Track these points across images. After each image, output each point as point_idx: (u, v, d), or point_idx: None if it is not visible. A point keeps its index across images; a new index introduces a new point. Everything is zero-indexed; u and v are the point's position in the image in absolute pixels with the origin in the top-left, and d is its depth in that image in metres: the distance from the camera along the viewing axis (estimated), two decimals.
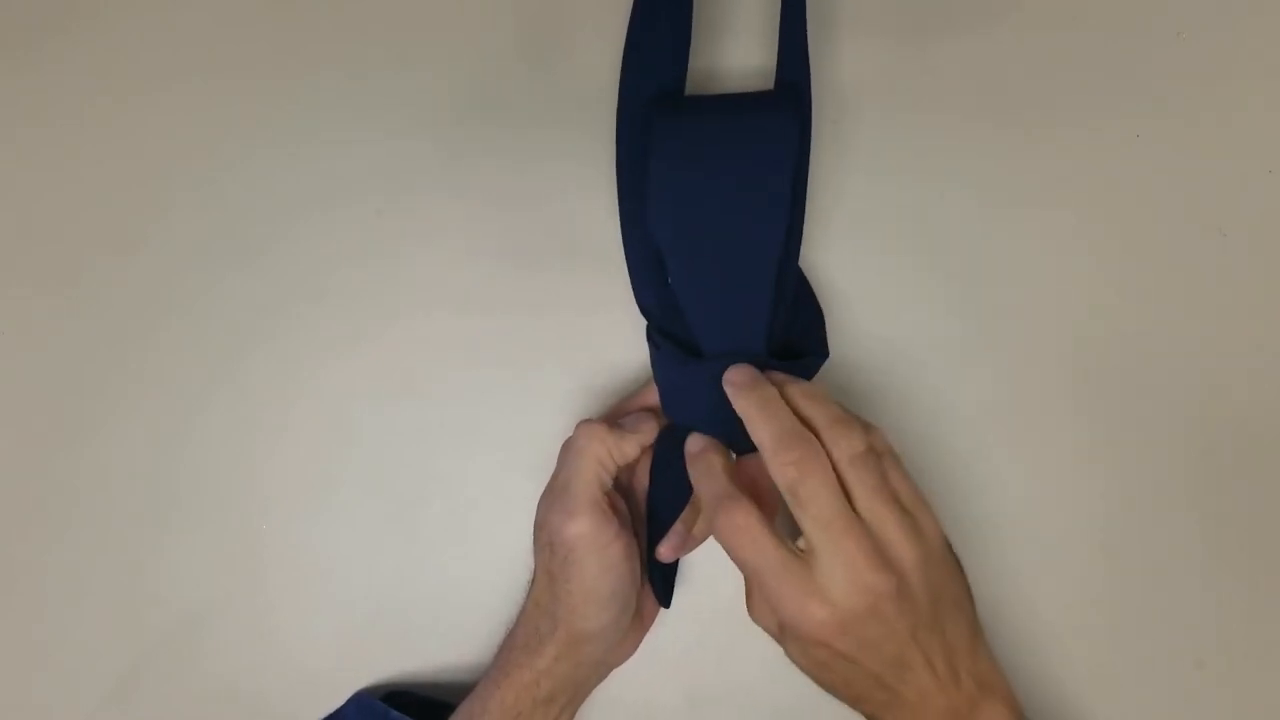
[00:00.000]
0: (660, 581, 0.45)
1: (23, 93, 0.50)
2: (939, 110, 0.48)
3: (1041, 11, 0.48)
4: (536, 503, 0.44)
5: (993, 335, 0.47)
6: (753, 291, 0.42)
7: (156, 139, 0.49)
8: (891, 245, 0.48)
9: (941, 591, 0.38)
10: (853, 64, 0.48)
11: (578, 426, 0.42)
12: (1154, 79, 0.48)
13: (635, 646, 0.46)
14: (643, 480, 0.45)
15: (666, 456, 0.43)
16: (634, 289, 0.45)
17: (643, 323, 0.45)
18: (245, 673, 0.48)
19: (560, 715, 0.43)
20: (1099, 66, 0.48)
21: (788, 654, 0.39)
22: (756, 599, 0.40)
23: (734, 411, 0.40)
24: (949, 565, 0.39)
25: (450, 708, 0.44)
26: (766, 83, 0.46)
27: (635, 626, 0.45)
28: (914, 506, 0.38)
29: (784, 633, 0.39)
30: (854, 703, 0.39)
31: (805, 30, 0.44)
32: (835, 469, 0.37)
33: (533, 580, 0.44)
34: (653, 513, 0.44)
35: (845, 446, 0.37)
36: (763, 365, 0.41)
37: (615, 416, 0.45)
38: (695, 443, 0.41)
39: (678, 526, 0.43)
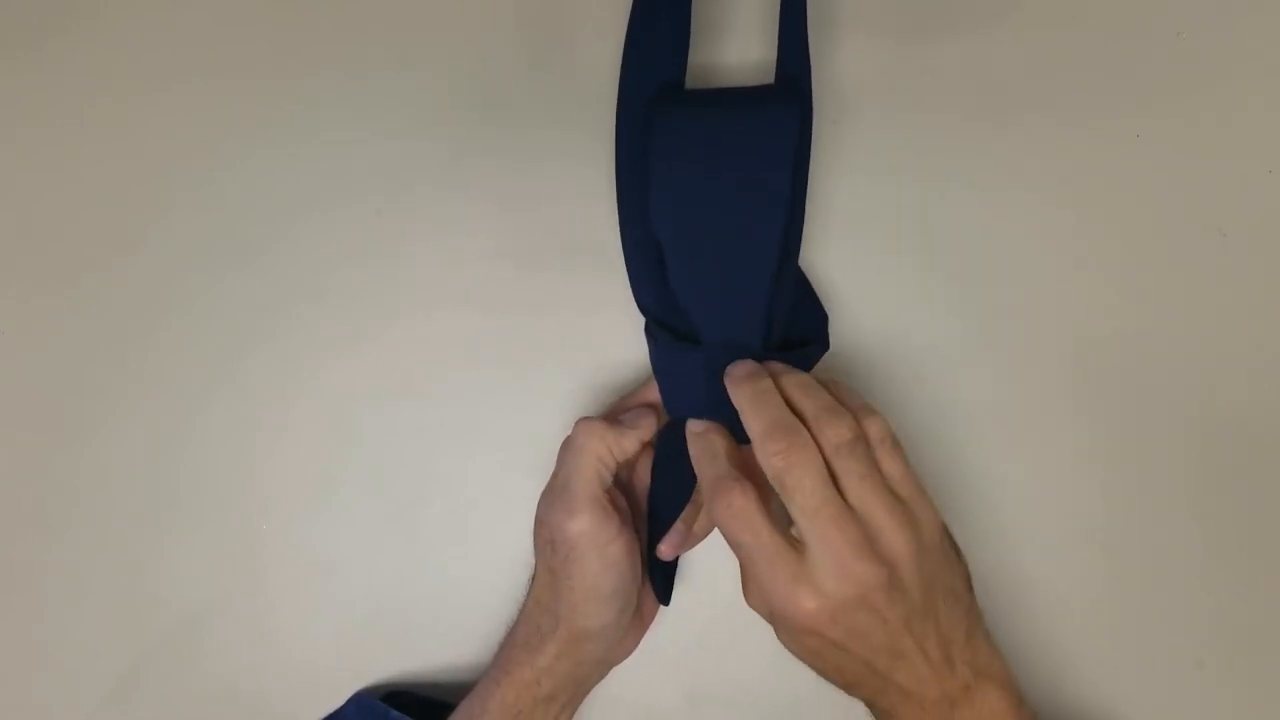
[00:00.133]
0: (660, 579, 0.45)
1: (23, 93, 0.50)
2: (939, 110, 0.48)
3: (1041, 11, 0.48)
4: (536, 502, 0.45)
5: (993, 335, 0.47)
6: (751, 284, 0.42)
7: (156, 139, 0.49)
8: (891, 245, 0.48)
9: (935, 581, 0.38)
10: (853, 64, 0.48)
11: (577, 424, 0.42)
12: (1154, 79, 0.48)
13: (635, 644, 0.46)
14: (643, 478, 0.45)
15: (667, 453, 0.43)
16: (633, 287, 0.45)
17: (642, 322, 0.45)
18: (245, 673, 0.48)
19: (561, 713, 0.43)
20: (1099, 66, 0.48)
21: (780, 640, 0.39)
22: (751, 584, 0.40)
23: (733, 404, 0.40)
24: (944, 554, 0.38)
25: (450, 707, 0.44)
26: (766, 79, 0.46)
27: (635, 624, 0.45)
28: (909, 495, 0.38)
29: (775, 620, 0.39)
30: (848, 689, 0.39)
31: (805, 24, 0.44)
32: (825, 458, 0.37)
33: (533, 578, 0.44)
34: (653, 510, 0.44)
35: (831, 435, 0.37)
36: (760, 358, 0.41)
37: (614, 414, 0.45)
38: (697, 424, 0.42)
39: (678, 525, 0.43)
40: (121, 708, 0.48)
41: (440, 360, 0.48)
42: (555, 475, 0.43)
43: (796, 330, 0.44)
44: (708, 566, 0.47)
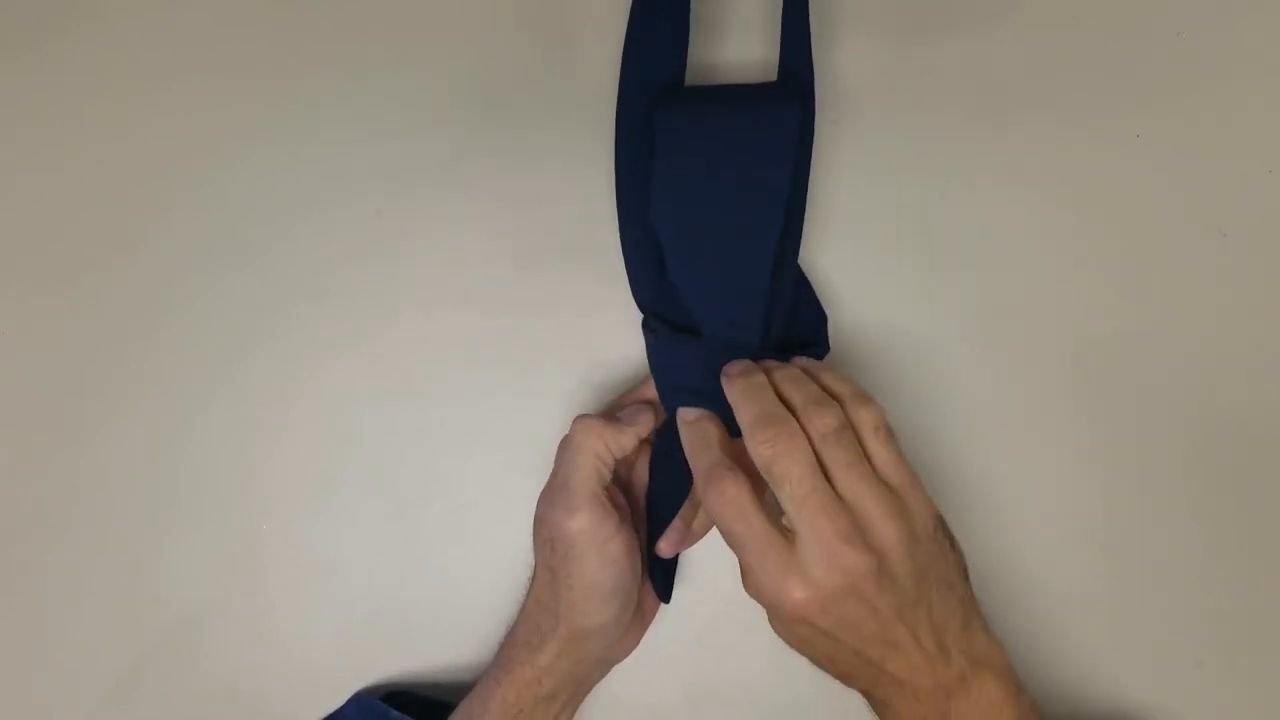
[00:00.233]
0: (660, 576, 0.45)
1: (23, 93, 0.50)
2: (939, 110, 0.48)
3: (1041, 11, 0.48)
4: (536, 502, 0.45)
5: (993, 335, 0.47)
6: (750, 281, 0.42)
7: (156, 139, 0.49)
8: (891, 245, 0.48)
9: (928, 570, 0.37)
10: (853, 64, 0.48)
11: (574, 422, 0.42)
12: (1154, 79, 0.48)
13: (636, 643, 0.46)
14: (642, 475, 0.45)
15: (664, 450, 0.43)
16: (631, 284, 0.45)
17: (641, 322, 0.45)
18: (245, 673, 0.48)
19: (561, 712, 0.43)
20: (1099, 66, 0.48)
21: (773, 629, 0.39)
22: (745, 573, 0.40)
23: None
24: (938, 544, 0.38)
25: (450, 707, 0.44)
26: (766, 77, 0.46)
27: (636, 623, 0.45)
28: (901, 483, 0.38)
29: (768, 609, 0.39)
30: (843, 679, 0.39)
31: (808, 21, 0.44)
32: (814, 449, 0.37)
33: (533, 578, 0.44)
34: (652, 508, 0.44)
35: (818, 425, 0.37)
36: (758, 357, 0.42)
37: (612, 412, 0.45)
38: (690, 412, 0.42)
39: (677, 522, 0.43)
40: (121, 708, 0.48)
41: (440, 360, 0.48)
42: (554, 474, 0.43)
43: (796, 331, 0.44)
44: (708, 565, 0.47)
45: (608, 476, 0.42)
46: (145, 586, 0.48)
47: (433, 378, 0.48)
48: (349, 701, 0.47)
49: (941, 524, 0.39)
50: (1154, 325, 0.47)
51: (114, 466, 0.49)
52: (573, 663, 0.42)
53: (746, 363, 0.41)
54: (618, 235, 0.46)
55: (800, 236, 0.44)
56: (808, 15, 0.44)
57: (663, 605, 0.46)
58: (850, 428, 0.38)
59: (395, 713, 0.44)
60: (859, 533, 0.36)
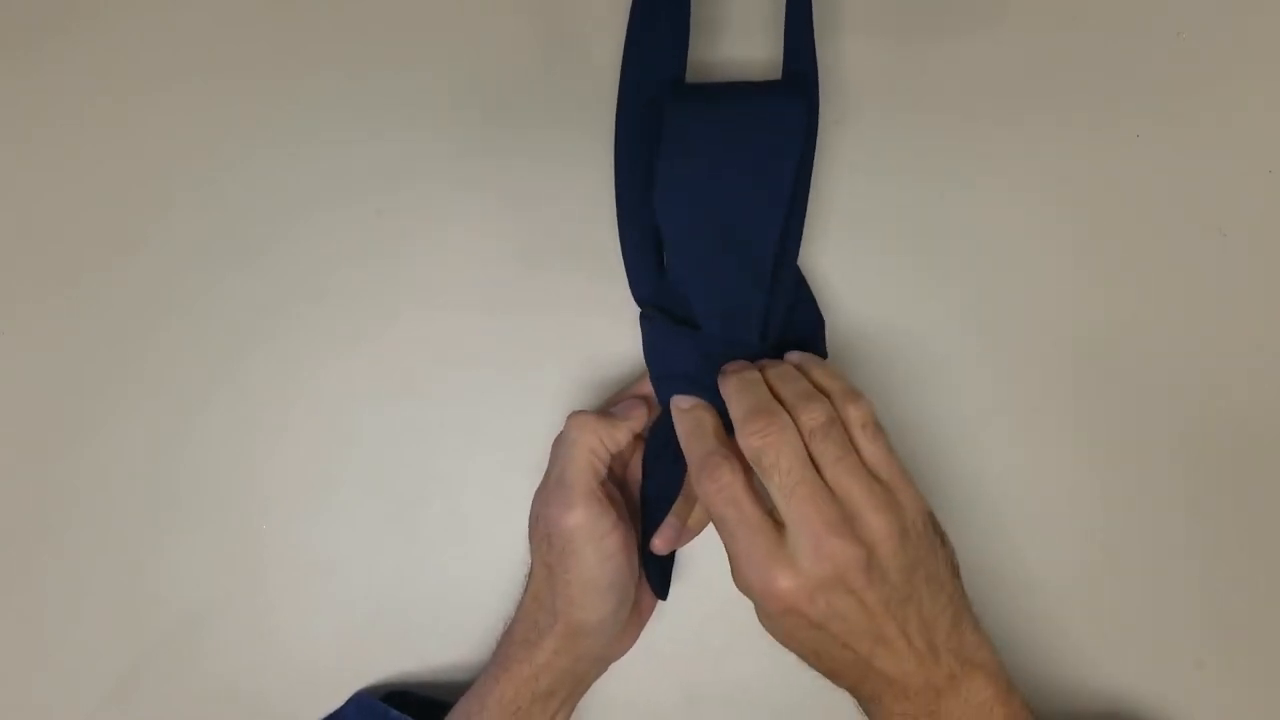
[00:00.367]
0: (656, 573, 0.45)
1: (23, 93, 0.50)
2: (939, 110, 0.48)
3: (1041, 11, 0.48)
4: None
5: (993, 335, 0.47)
6: (751, 279, 0.42)
7: (156, 139, 0.49)
8: (891, 245, 0.48)
9: (917, 566, 0.37)
10: (854, 64, 0.48)
11: (568, 418, 0.42)
12: (1154, 79, 0.48)
13: (633, 640, 0.46)
14: (636, 472, 0.45)
15: (659, 447, 0.43)
16: (630, 281, 0.45)
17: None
18: (245, 673, 0.48)
19: (559, 710, 0.43)
20: (1099, 66, 0.48)
21: (761, 623, 0.39)
22: (734, 564, 0.40)
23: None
24: (928, 540, 0.38)
25: (450, 707, 0.44)
26: (766, 75, 0.46)
27: (633, 620, 0.45)
28: (890, 479, 0.38)
29: (755, 601, 0.39)
30: (830, 676, 0.39)
31: (811, 21, 0.44)
32: (804, 441, 0.38)
33: (529, 575, 0.44)
34: (646, 504, 0.44)
35: (806, 419, 0.38)
36: (755, 354, 0.42)
37: (606, 408, 0.45)
38: (685, 400, 0.42)
39: (671, 519, 0.43)
40: (121, 708, 0.48)
41: (440, 360, 0.48)
42: (549, 470, 0.43)
43: (794, 332, 0.44)
44: (705, 564, 0.47)
45: (603, 472, 0.42)
46: (145, 586, 0.48)
47: (433, 378, 0.48)
48: (349, 701, 0.47)
49: (932, 520, 0.39)
50: (1154, 325, 0.47)
51: (114, 466, 0.49)
52: (571, 660, 0.42)
53: (743, 363, 0.41)
54: (617, 234, 0.46)
55: (801, 236, 0.44)
56: (811, 15, 0.44)
57: (660, 604, 0.47)
58: (838, 422, 0.38)
59: (395, 712, 0.44)
60: (848, 524, 0.36)
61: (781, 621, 0.38)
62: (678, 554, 0.46)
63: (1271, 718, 0.46)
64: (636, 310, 0.45)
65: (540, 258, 0.48)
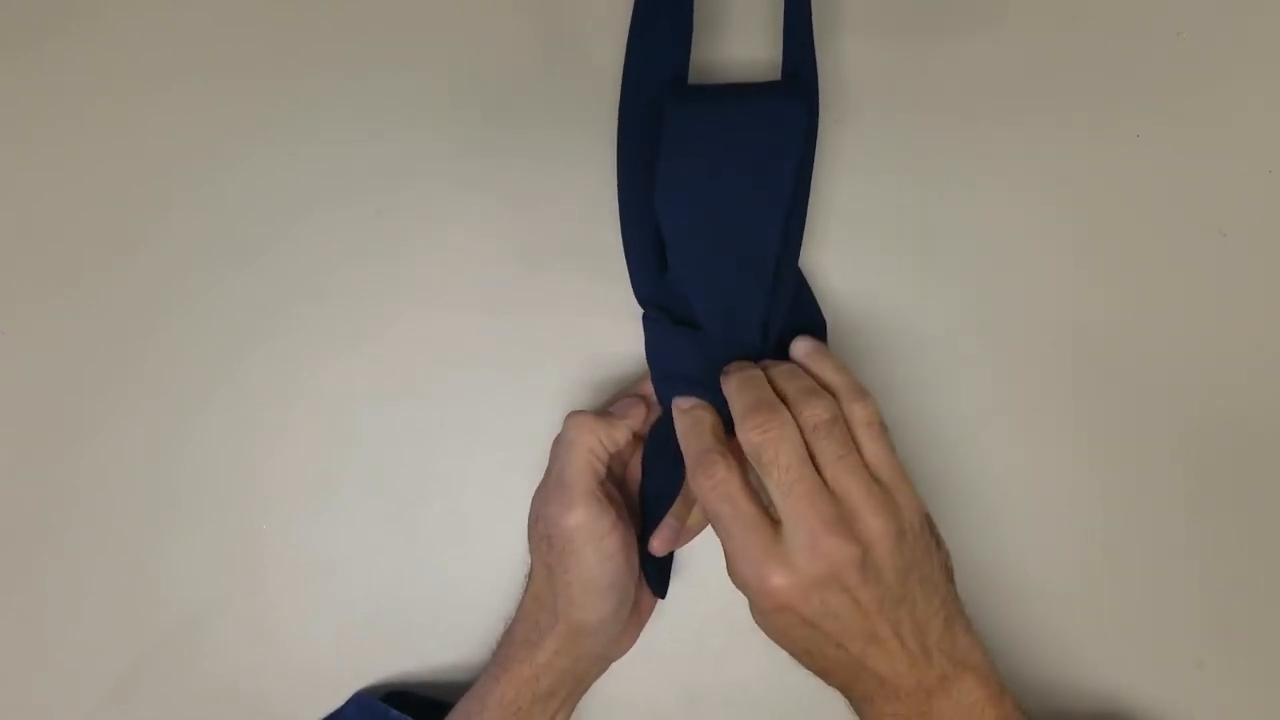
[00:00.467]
0: (655, 572, 0.45)
1: (23, 93, 0.50)
2: (939, 110, 0.48)
3: (1041, 11, 0.48)
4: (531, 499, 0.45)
5: (993, 335, 0.47)
6: (752, 279, 0.42)
7: (156, 139, 0.49)
8: (891, 245, 0.48)
9: (912, 567, 0.37)
10: (854, 64, 0.48)
11: (567, 418, 0.42)
12: (1154, 79, 0.48)
13: (633, 640, 0.46)
14: (635, 472, 0.45)
15: (658, 447, 0.43)
16: (632, 281, 0.45)
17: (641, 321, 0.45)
18: (245, 673, 0.48)
19: (559, 710, 0.43)
20: (1099, 66, 0.48)
21: (754, 620, 0.39)
22: (729, 560, 0.40)
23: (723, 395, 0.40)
24: (923, 542, 0.38)
25: (450, 707, 0.44)
26: (769, 76, 0.46)
27: (633, 620, 0.45)
28: (890, 479, 0.38)
29: (749, 598, 0.39)
30: (822, 674, 0.39)
31: (810, 21, 0.44)
32: (804, 438, 0.37)
33: (529, 576, 0.44)
34: (645, 505, 0.44)
35: (809, 415, 0.38)
36: (757, 354, 0.42)
37: (605, 408, 0.45)
38: (685, 400, 0.42)
39: (669, 519, 0.43)
40: (121, 708, 0.48)
41: (440, 360, 0.48)
42: (548, 471, 0.43)
43: (795, 333, 0.44)
44: (705, 563, 0.47)
45: (602, 471, 0.42)
46: (145, 586, 0.48)
47: (433, 378, 0.48)
48: (349, 701, 0.47)
49: (929, 523, 0.39)
50: (1154, 325, 0.47)
51: (114, 466, 0.49)
52: (571, 660, 0.42)
53: (746, 362, 0.41)
54: (618, 235, 0.46)
55: (802, 237, 0.44)
56: (810, 15, 0.44)
57: (660, 604, 0.47)
58: (841, 420, 0.38)
59: (395, 713, 0.44)
60: (844, 522, 0.36)
61: (775, 619, 0.38)
62: (677, 553, 0.46)
63: (1271, 718, 0.46)
64: (637, 310, 0.45)
65: (540, 258, 0.48)
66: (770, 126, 0.42)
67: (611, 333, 0.47)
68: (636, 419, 0.43)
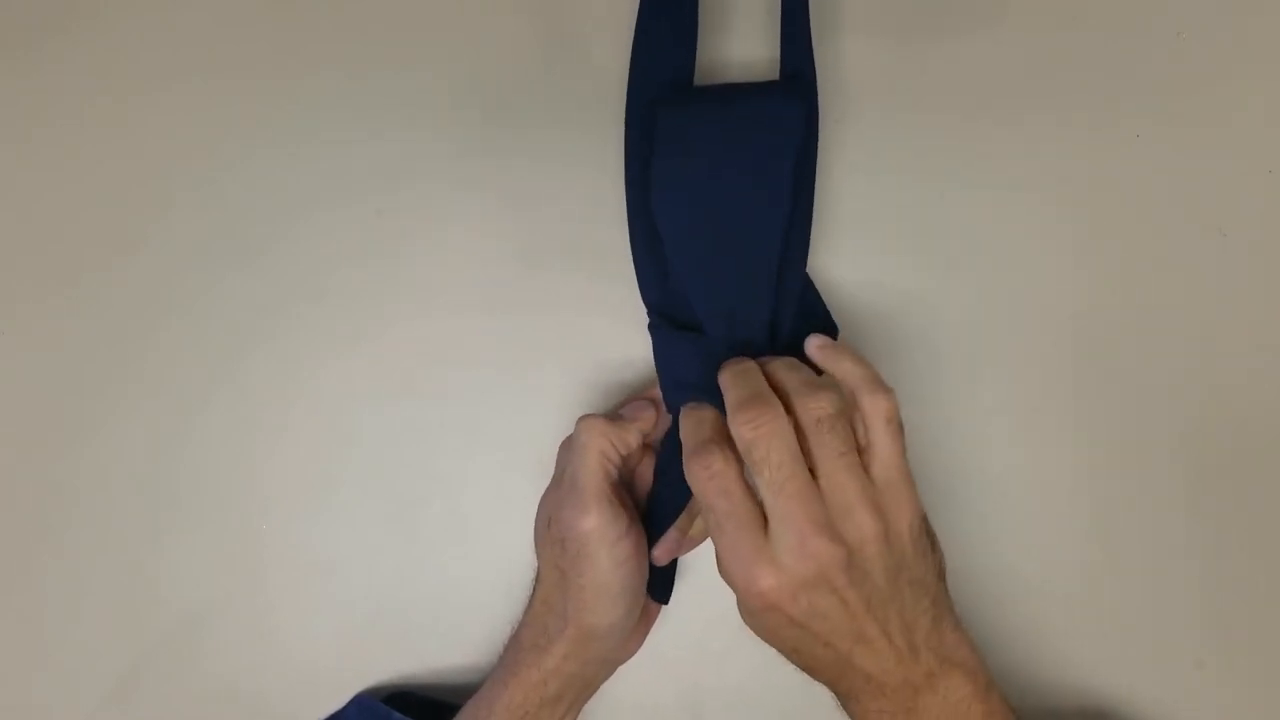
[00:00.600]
0: (658, 577, 0.45)
1: (23, 93, 0.50)
2: (939, 110, 0.48)
3: (1041, 11, 0.48)
4: (537, 503, 0.45)
5: (993, 335, 0.47)
6: (755, 281, 0.42)
7: (156, 139, 0.49)
8: (891, 245, 0.48)
9: (901, 568, 0.37)
10: (853, 64, 0.48)
11: (579, 422, 0.42)
12: (1154, 79, 0.48)
13: (640, 644, 0.46)
14: (643, 479, 0.45)
15: (669, 457, 0.43)
16: (639, 283, 0.45)
17: (643, 323, 0.45)
18: (245, 673, 0.48)
19: (566, 714, 0.43)
20: (1099, 66, 0.48)
21: (743, 620, 0.39)
22: (719, 557, 0.39)
23: None
24: (917, 544, 0.38)
25: (452, 708, 0.44)
26: (771, 77, 0.46)
27: (640, 624, 0.45)
28: (893, 479, 0.38)
29: (737, 597, 0.39)
30: (809, 671, 0.39)
31: (808, 21, 0.44)
32: (801, 433, 0.37)
33: (538, 580, 0.44)
34: (652, 514, 0.44)
35: (813, 408, 0.37)
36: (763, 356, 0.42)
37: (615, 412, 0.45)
38: (692, 405, 0.41)
39: (671, 531, 0.43)
40: (121, 708, 0.48)
41: (440, 360, 0.48)
42: (560, 474, 0.43)
43: (804, 337, 0.44)
44: (709, 568, 0.46)
45: (614, 474, 0.42)
46: (145, 586, 0.48)
47: (433, 378, 0.48)
48: (350, 703, 0.47)
49: (925, 525, 0.39)
50: (1154, 325, 0.47)
51: (114, 466, 0.49)
52: (580, 664, 0.42)
53: (742, 358, 0.41)
54: (617, 235, 0.46)
55: (808, 240, 0.43)
56: (808, 15, 0.44)
57: (664, 608, 0.46)
58: (845, 416, 0.38)
59: (397, 714, 0.44)
60: (833, 523, 0.36)
61: (763, 618, 0.38)
62: (680, 561, 0.46)
63: (1271, 718, 0.46)
64: (638, 310, 0.45)
65: (540, 258, 0.48)
66: (769, 126, 0.42)
67: (612, 333, 0.47)
68: (647, 421, 0.43)
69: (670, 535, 0.43)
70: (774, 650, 0.40)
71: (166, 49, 0.50)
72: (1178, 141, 0.47)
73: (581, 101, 0.48)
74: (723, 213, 0.42)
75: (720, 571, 0.39)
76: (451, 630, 0.48)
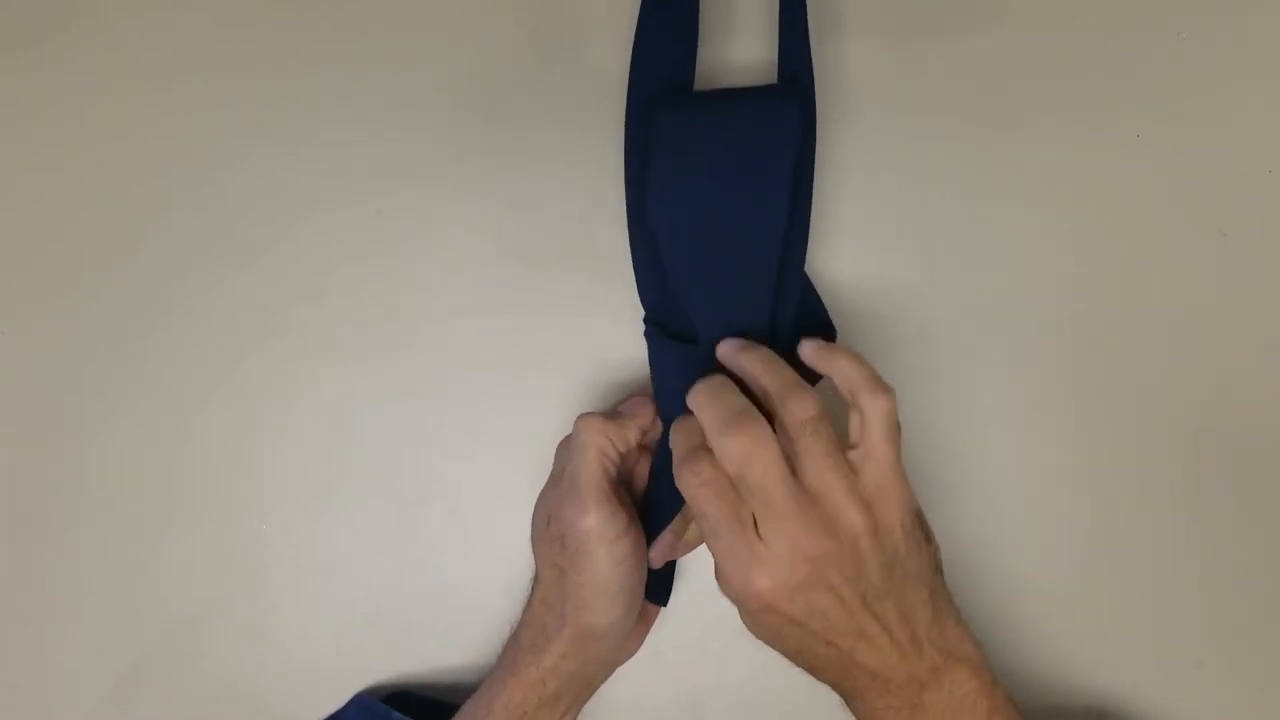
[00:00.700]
0: (655, 581, 0.45)
1: (23, 93, 0.50)
2: (939, 110, 0.48)
3: (1041, 11, 0.48)
4: (535, 502, 0.45)
5: (992, 335, 0.47)
6: (752, 286, 0.42)
7: (156, 139, 0.49)
8: (891, 245, 0.48)
9: (895, 563, 0.37)
10: (853, 64, 0.48)
11: (577, 421, 0.42)
12: (1154, 79, 0.48)
13: (639, 644, 0.46)
14: (642, 477, 0.45)
15: (663, 463, 0.43)
16: (638, 285, 0.45)
17: (641, 322, 0.45)
18: (245, 673, 0.48)
19: (565, 714, 0.43)
20: (1099, 66, 0.48)
21: (744, 623, 0.39)
22: (716, 564, 0.39)
23: None
24: (910, 538, 0.38)
25: (451, 708, 0.44)
26: (769, 79, 0.46)
27: (639, 624, 0.45)
28: (886, 479, 0.37)
29: (736, 601, 0.39)
30: (814, 672, 0.39)
31: (806, 24, 0.44)
32: (787, 434, 0.37)
33: (536, 580, 0.44)
34: (646, 517, 0.44)
35: (796, 411, 0.37)
36: None
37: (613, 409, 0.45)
38: (683, 417, 0.41)
39: (665, 534, 0.43)
40: (121, 708, 0.48)
41: (440, 360, 0.48)
42: (559, 472, 0.43)
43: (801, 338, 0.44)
44: (708, 568, 0.47)
45: (613, 472, 0.42)
46: (145, 586, 0.48)
47: (433, 378, 0.48)
48: (350, 703, 0.47)
49: (920, 520, 0.39)
50: (1154, 325, 0.47)
51: (114, 467, 0.49)
52: (579, 663, 0.42)
53: (712, 373, 0.40)
54: (617, 235, 0.46)
55: (806, 243, 0.43)
56: (805, 18, 0.44)
57: (663, 609, 0.46)
58: (826, 415, 0.37)
59: (397, 714, 0.44)
60: (825, 523, 0.36)
61: (762, 619, 0.38)
62: (679, 561, 0.46)
63: (1271, 718, 0.46)
64: (638, 310, 0.45)
65: (540, 258, 0.48)
66: (768, 129, 0.42)
67: (611, 333, 0.47)
68: (645, 418, 0.43)
69: (664, 538, 0.43)
70: (773, 651, 0.40)
71: (166, 49, 0.50)
72: (1178, 141, 0.47)
73: (581, 101, 0.48)
74: (722, 216, 0.42)
75: (717, 577, 0.39)
76: (451, 630, 0.48)
